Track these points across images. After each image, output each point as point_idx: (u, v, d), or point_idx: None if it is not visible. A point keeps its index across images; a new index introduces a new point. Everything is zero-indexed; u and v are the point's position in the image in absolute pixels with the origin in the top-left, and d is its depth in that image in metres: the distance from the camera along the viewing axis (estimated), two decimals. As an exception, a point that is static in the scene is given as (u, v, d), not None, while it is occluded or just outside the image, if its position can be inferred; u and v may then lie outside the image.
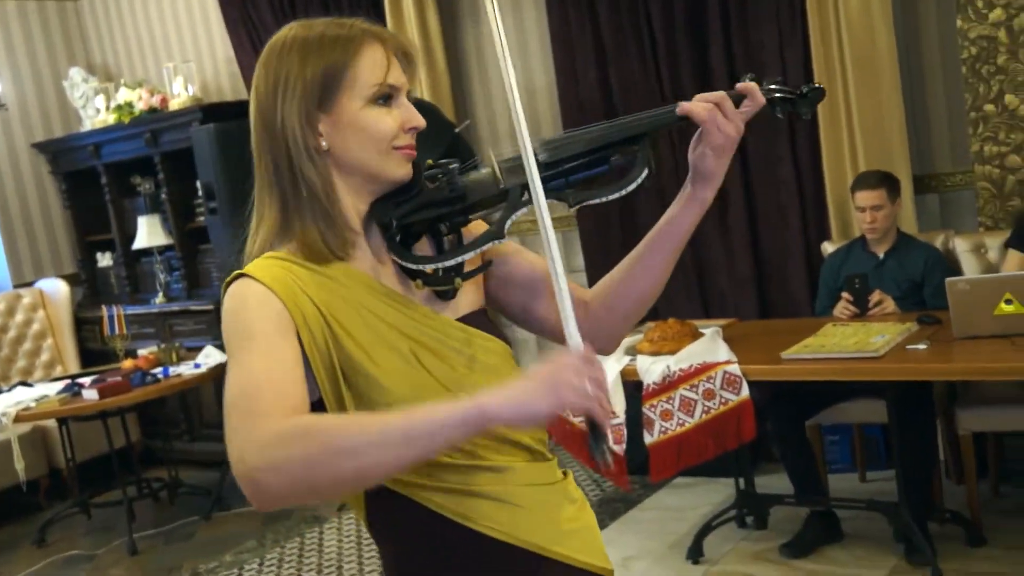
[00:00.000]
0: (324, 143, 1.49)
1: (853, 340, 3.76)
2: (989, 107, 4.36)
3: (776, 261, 5.04)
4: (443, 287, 1.54)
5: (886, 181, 4.21)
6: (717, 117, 1.50)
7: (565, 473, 1.63)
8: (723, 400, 3.84)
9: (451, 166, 1.55)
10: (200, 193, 6.29)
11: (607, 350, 1.68)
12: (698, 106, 1.50)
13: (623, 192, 1.51)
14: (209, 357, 5.73)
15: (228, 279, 1.48)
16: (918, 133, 4.72)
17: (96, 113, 7.02)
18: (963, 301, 3.66)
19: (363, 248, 1.54)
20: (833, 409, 4.27)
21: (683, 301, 5.12)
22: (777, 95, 1.59)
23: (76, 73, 7.22)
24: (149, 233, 6.67)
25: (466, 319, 1.57)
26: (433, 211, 1.54)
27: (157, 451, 6.81)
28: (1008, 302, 3.61)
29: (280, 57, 1.51)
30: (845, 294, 4.18)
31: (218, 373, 5.64)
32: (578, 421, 4.03)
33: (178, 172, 6.61)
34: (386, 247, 1.54)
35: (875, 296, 4.14)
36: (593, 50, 5.29)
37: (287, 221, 1.51)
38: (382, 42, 1.52)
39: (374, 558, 4.75)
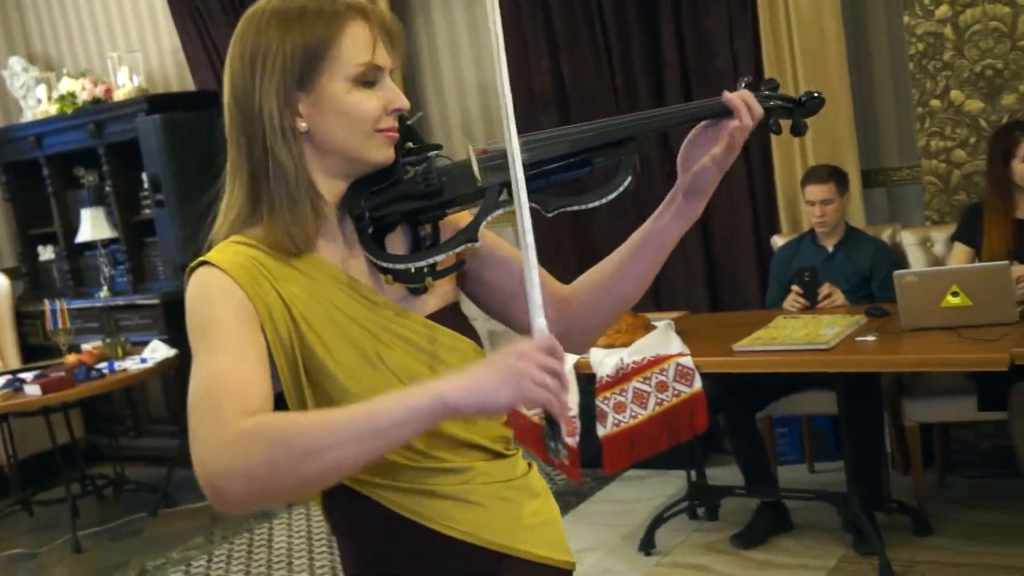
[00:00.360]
0: (303, 124, 1.43)
1: (803, 332, 3.80)
2: (935, 103, 4.42)
3: (727, 254, 5.07)
4: (414, 284, 1.49)
5: (835, 175, 4.26)
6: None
7: (530, 465, 1.60)
8: (676, 392, 3.86)
9: (430, 153, 1.50)
10: (146, 185, 6.20)
11: (580, 350, 1.67)
12: (743, 103, 1.46)
13: (606, 199, 1.45)
14: (155, 352, 5.65)
15: (192, 265, 1.43)
16: (866, 128, 4.78)
17: (37, 103, 6.90)
18: (911, 294, 3.70)
19: (335, 236, 1.49)
20: (784, 401, 4.31)
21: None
22: (771, 104, 1.51)
23: (16, 62, 7.08)
24: (93, 226, 6.56)
25: (437, 315, 1.53)
26: (407, 204, 1.48)
27: (102, 447, 6.72)
28: (955, 294, 3.66)
29: (258, 30, 1.43)
30: (795, 287, 4.22)
31: (165, 368, 5.58)
32: (534, 414, 4.03)
33: (123, 164, 6.51)
34: (358, 239, 1.49)
35: (824, 289, 4.19)
36: (545, 40, 5.29)
37: (255, 206, 1.45)
38: (367, 19, 1.45)
39: (324, 554, 4.72)
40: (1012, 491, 4.07)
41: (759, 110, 1.48)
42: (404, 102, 1.47)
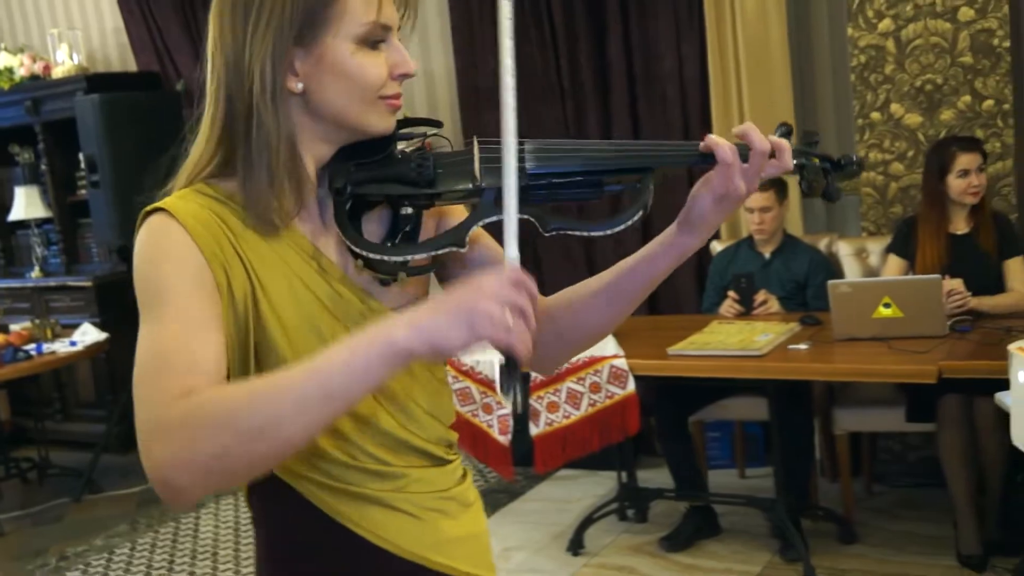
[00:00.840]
0: (299, 84, 1.29)
1: (738, 338, 3.82)
2: (875, 115, 4.47)
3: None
4: (385, 276, 1.36)
5: (775, 183, 4.27)
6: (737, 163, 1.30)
7: (464, 473, 1.51)
8: (609, 394, 3.87)
9: (429, 131, 1.39)
10: (83, 165, 6.09)
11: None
12: (724, 144, 1.30)
13: (611, 231, 1.32)
14: (86, 335, 5.55)
15: (147, 209, 1.29)
16: (807, 137, 4.80)
17: (-27, 78, 6.76)
18: (843, 303, 3.74)
19: (310, 206, 1.36)
20: (716, 405, 4.33)
21: (565, 271, 5.13)
22: (804, 161, 1.37)
23: (-47, 35, 6.94)
24: (27, 204, 6.43)
25: (403, 310, 1.39)
26: (394, 188, 1.35)
27: (28, 430, 6.60)
28: (886, 306, 3.70)
29: None
30: (731, 293, 4.24)
31: (94, 352, 5.48)
32: (469, 414, 4.03)
33: (60, 142, 6.40)
34: (334, 213, 1.34)
35: (760, 296, 4.22)
36: (493, 36, 5.25)
37: (225, 164, 1.32)
38: None
39: (250, 545, 4.64)
40: (938, 502, 4.11)
41: (785, 164, 1.33)
42: (410, 66, 1.33)
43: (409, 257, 1.33)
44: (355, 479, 1.36)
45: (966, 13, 4.28)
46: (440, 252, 1.34)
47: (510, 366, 1.17)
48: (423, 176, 1.33)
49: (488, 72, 5.30)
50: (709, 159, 1.32)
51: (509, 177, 1.22)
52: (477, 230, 1.36)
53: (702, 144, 1.32)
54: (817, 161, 1.38)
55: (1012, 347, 3.06)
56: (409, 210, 1.38)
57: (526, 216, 1.28)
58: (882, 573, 3.75)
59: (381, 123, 1.33)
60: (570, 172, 1.33)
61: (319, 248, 1.35)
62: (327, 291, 1.33)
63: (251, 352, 1.29)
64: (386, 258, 1.33)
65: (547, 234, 1.33)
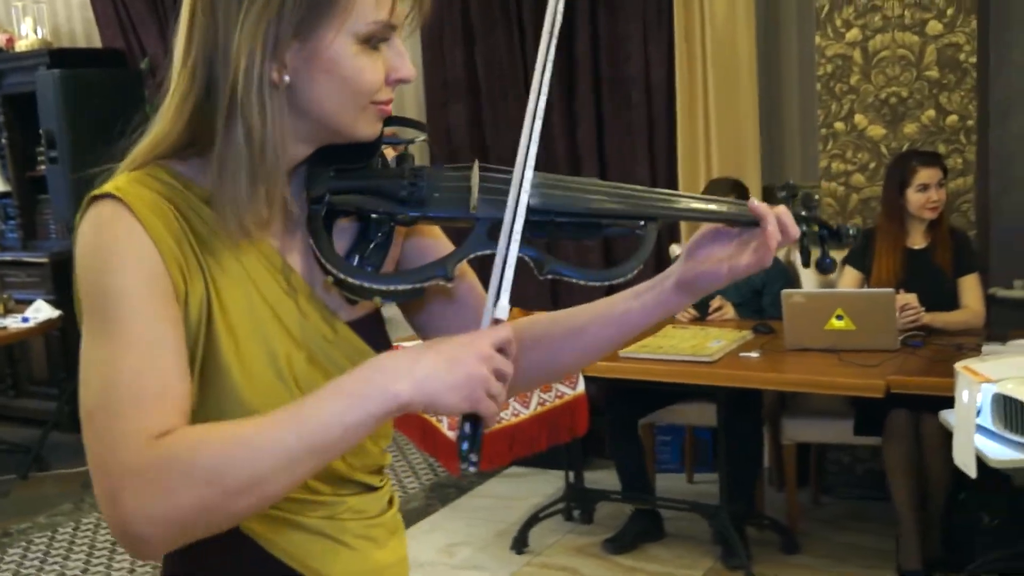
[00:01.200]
0: (286, 78, 1.15)
1: (691, 343, 3.81)
2: (839, 125, 4.46)
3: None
4: (357, 298, 1.23)
5: (736, 189, 4.27)
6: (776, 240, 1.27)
7: (392, 498, 1.42)
8: (558, 393, 3.86)
9: (415, 139, 1.30)
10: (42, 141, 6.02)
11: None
12: (774, 220, 1.27)
13: (608, 283, 1.25)
14: (39, 312, 5.48)
15: (95, 193, 1.14)
16: (772, 144, 4.80)
17: (-65, 47, 6.66)
18: (797, 313, 3.74)
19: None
20: (667, 410, 4.32)
21: (530, 292, 5.10)
22: (804, 228, 1.34)
23: (-83, 3, 6.83)
24: (-16, 178, 6.36)
25: (358, 324, 1.29)
26: (376, 202, 1.24)
27: (-23, 405, 6.53)
28: (839, 318, 3.70)
29: None
30: (687, 297, 4.23)
31: (47, 329, 5.42)
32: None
33: (21, 117, 6.30)
34: (306, 220, 1.22)
35: (715, 302, 4.21)
36: (461, 30, 5.24)
37: (192, 148, 1.19)
38: None
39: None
40: (883, 515, 4.11)
41: (794, 233, 1.30)
42: (410, 71, 1.21)
43: (393, 287, 1.22)
44: (285, 506, 1.26)
45: (934, 27, 4.28)
46: (426, 284, 1.22)
47: (476, 428, 1.11)
48: (414, 197, 1.23)
49: (456, 66, 5.26)
50: (718, 221, 1.30)
51: (511, 218, 1.17)
52: (463, 264, 1.28)
53: (751, 206, 1.28)
54: (816, 228, 1.35)
55: (958, 366, 3.06)
56: (385, 224, 1.28)
57: (522, 255, 1.19)
58: (823, 584, 3.76)
59: (368, 129, 1.21)
60: (573, 212, 1.26)
61: (286, 257, 1.23)
62: (292, 313, 1.22)
63: (197, 370, 1.15)
64: (368, 285, 1.21)
65: (542, 277, 1.25)
